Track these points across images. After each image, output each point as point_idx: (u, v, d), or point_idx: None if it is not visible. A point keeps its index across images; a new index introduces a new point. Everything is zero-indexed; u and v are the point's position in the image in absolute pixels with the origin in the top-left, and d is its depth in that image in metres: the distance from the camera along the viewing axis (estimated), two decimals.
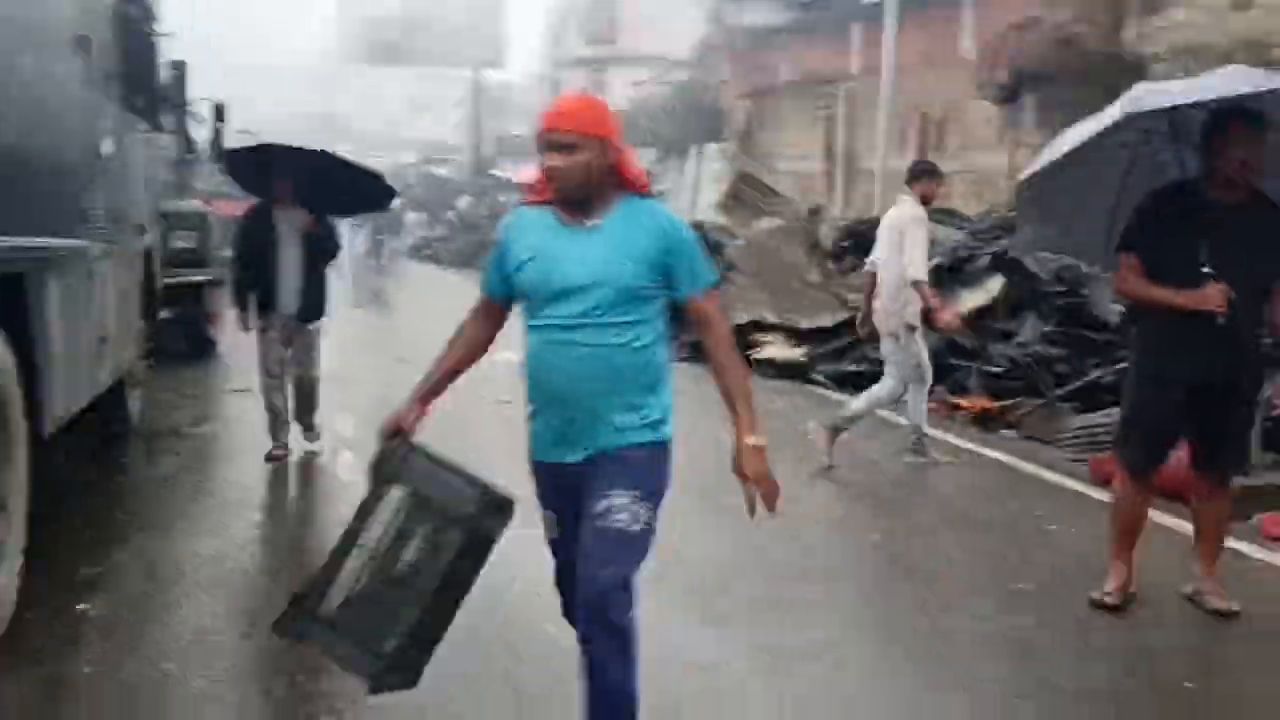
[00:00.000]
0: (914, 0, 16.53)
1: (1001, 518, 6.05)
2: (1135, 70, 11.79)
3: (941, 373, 8.95)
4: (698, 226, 16.57)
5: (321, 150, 6.82)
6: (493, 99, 70.47)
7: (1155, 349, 4.31)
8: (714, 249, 15.79)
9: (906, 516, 6.20)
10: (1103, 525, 4.69)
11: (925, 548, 5.50)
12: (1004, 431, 8.49)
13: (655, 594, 3.39)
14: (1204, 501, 4.45)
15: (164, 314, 10.63)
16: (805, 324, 11.63)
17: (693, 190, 28.99)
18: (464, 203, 36.36)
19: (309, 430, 7.10)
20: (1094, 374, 8.56)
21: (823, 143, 21.20)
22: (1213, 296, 4.01)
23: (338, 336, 8.68)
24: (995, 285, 10.44)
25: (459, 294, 9.79)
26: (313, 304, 6.79)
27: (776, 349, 11.99)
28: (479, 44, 42.90)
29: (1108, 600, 4.38)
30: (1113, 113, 4.08)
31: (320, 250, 6.77)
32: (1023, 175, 4.75)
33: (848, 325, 11.10)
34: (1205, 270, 4.01)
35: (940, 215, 13.09)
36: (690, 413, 3.62)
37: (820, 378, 11.21)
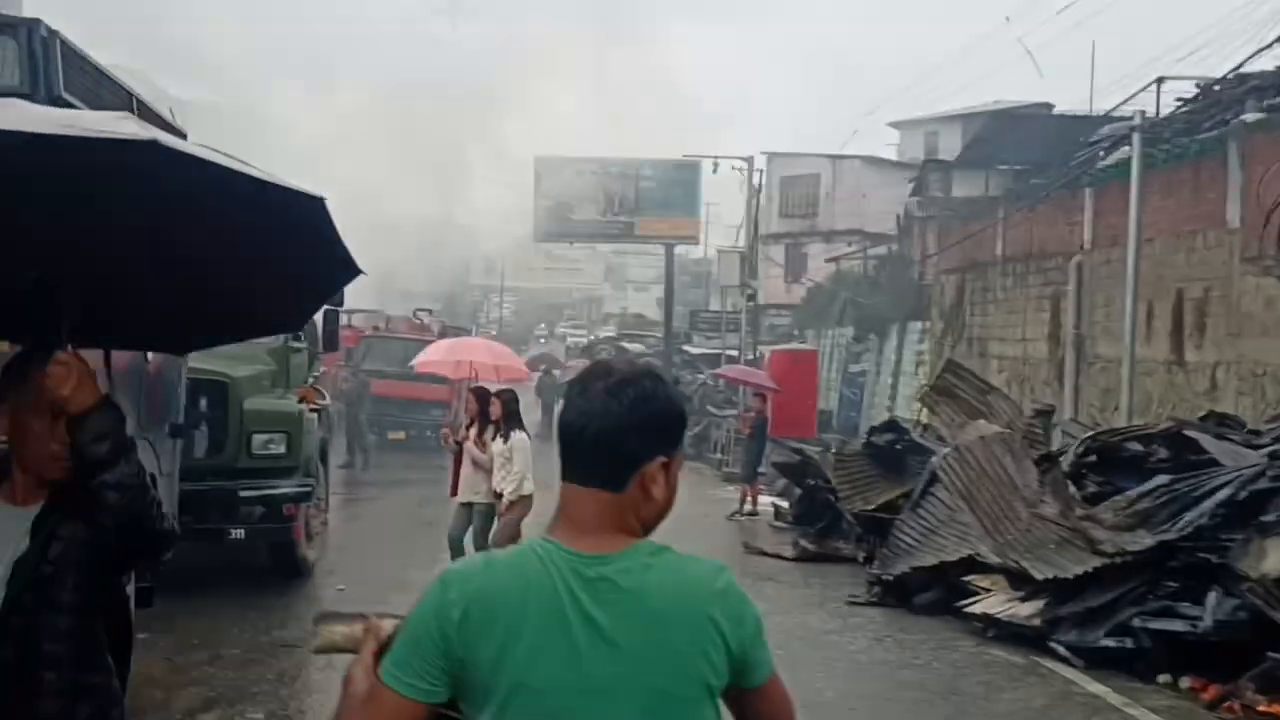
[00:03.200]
0: (1162, 160, 13.79)
1: None
2: None
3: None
4: (890, 426, 13.89)
5: None
6: (694, 273, 70.13)
7: None
8: (908, 456, 13.06)
9: None
10: None
11: None
12: None
13: None
14: None
15: (235, 533, 8.83)
16: (1039, 572, 8.70)
17: (892, 375, 26.23)
18: None
19: None
20: None
21: (1047, 326, 18.25)
22: None
23: None
24: None
25: None
26: None
27: (997, 601, 9.08)
28: (674, 223, 41.88)
29: None
30: None
31: None
32: None
33: (1100, 578, 8.16)
34: None
35: (1214, 423, 10.02)
36: None
37: (1061, 649, 8.25)
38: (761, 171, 38.09)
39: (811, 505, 13.87)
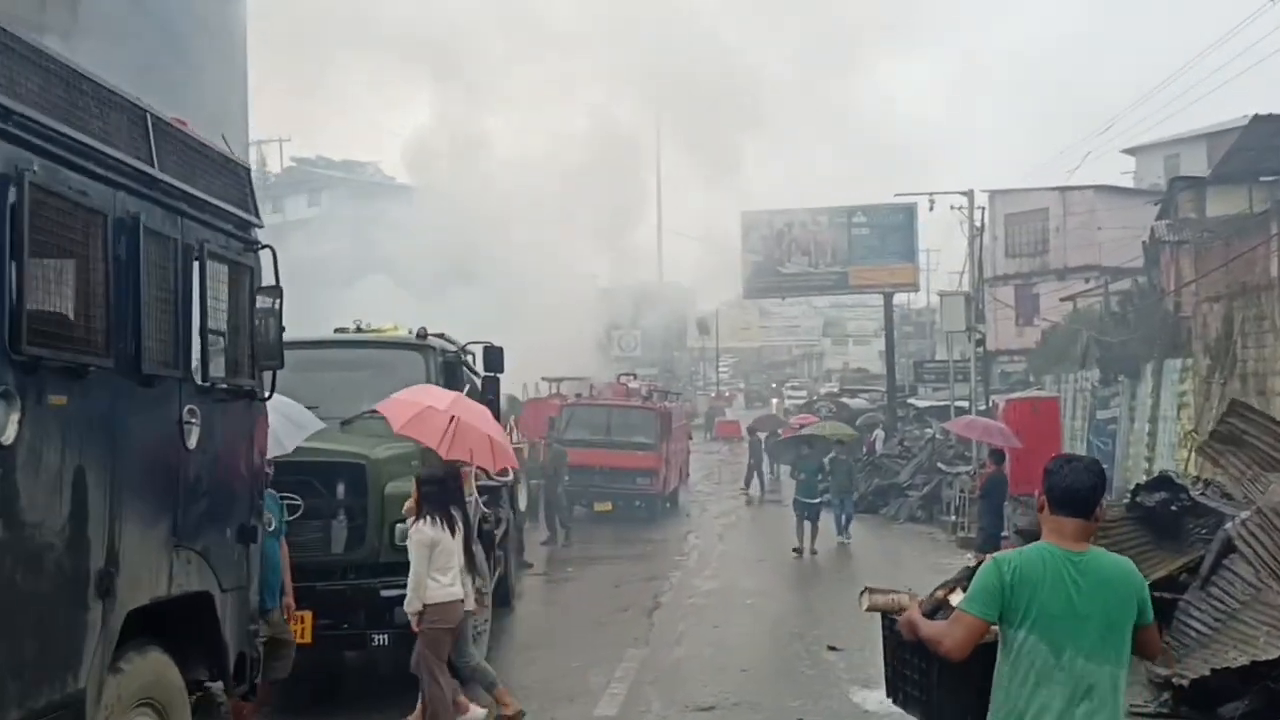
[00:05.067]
0: None
1: None
2: None
3: None
4: (1161, 483, 11.54)
5: None
6: (916, 323, 67.16)
7: None
8: (1187, 518, 10.73)
9: None
10: None
11: None
12: None
13: None
14: None
15: (378, 638, 7.68)
16: None
17: (1149, 421, 23.20)
18: (876, 438, 32.36)
19: None
20: None
21: None
22: None
23: None
24: None
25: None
26: None
27: None
28: (890, 270, 39.71)
29: None
30: None
31: None
32: None
33: None
34: None
35: None
36: None
37: None
38: (983, 209, 35.49)
39: None
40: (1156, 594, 10.30)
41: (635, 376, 27.71)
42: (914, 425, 34.97)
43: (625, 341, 50.81)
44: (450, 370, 9.49)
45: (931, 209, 33.20)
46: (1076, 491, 3.76)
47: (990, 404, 28.54)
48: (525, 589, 14.26)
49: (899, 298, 47.37)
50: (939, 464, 25.96)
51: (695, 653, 10.46)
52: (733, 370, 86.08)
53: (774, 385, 74.58)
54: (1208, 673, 7.64)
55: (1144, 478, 21.81)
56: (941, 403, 34.01)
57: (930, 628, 4.01)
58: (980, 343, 30.18)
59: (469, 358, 10.43)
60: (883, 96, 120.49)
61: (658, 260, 66.68)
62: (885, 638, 5.72)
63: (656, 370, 54.29)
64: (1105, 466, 22.02)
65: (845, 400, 45.64)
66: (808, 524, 17.89)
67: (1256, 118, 19.01)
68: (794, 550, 17.65)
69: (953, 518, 21.53)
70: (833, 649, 10.38)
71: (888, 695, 5.92)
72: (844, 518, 19.19)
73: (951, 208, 34.64)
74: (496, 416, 9.88)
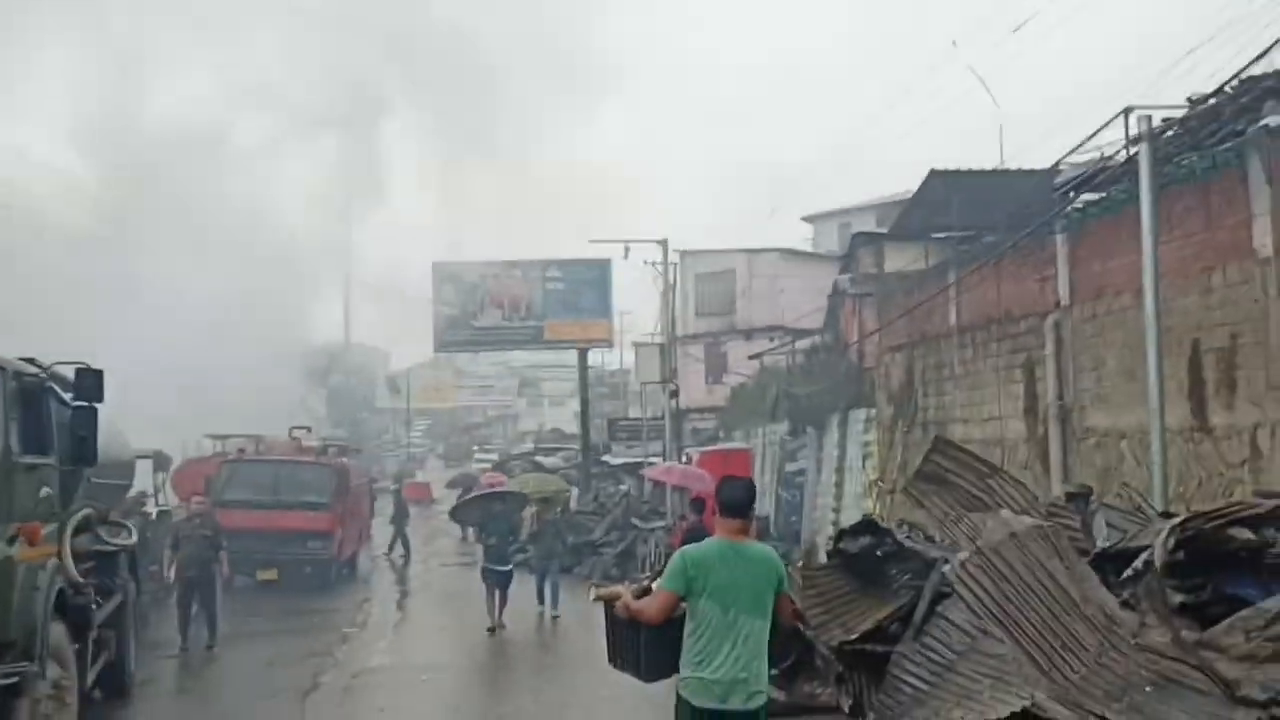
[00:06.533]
0: (1160, 186, 11.35)
1: None
2: None
3: None
4: (866, 527, 10.89)
5: None
6: (610, 384, 67.36)
7: None
8: (890, 564, 10.08)
9: None
10: None
11: None
12: None
13: None
14: None
15: None
16: None
17: (836, 471, 23.35)
18: (571, 495, 31.33)
19: None
20: None
21: (1022, 399, 15.61)
22: None
23: None
24: None
25: None
26: None
27: None
28: (585, 325, 39.23)
29: None
30: None
31: None
32: None
33: None
34: None
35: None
36: None
37: None
38: (675, 265, 35.61)
39: (773, 637, 10.70)
40: (868, 647, 9.54)
41: (309, 430, 25.24)
42: (608, 482, 34.28)
43: (308, 403, 47.63)
44: (27, 397, 7.36)
45: (626, 256, 32.88)
46: (737, 501, 5.71)
47: (685, 458, 28.17)
48: (157, 673, 11.90)
49: (594, 358, 47.10)
50: (634, 520, 25.17)
51: None
52: (426, 433, 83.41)
53: (474, 448, 72.69)
54: None
55: (831, 529, 21.92)
56: (635, 459, 33.55)
57: (639, 604, 5.91)
58: (675, 394, 29.88)
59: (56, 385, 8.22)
60: (573, 146, 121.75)
61: (344, 320, 63.68)
62: (607, 618, 6.79)
63: (344, 431, 51.24)
64: (794, 518, 21.61)
65: (540, 459, 44.62)
66: (498, 593, 15.76)
67: (933, 172, 19.50)
68: (488, 630, 15.37)
69: (647, 575, 20.55)
70: None
71: (609, 661, 6.94)
72: (548, 587, 16.95)
73: (645, 262, 34.57)
74: (92, 455, 7.77)
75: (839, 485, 22.92)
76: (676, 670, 5.66)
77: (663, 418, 31.82)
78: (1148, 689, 6.11)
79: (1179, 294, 11.90)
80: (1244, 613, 6.05)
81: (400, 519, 28.45)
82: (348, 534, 22.41)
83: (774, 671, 10.38)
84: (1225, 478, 11.31)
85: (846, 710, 9.02)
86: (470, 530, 28.69)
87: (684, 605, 5.47)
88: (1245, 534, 6.65)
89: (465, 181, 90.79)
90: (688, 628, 5.49)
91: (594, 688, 10.52)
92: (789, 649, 10.45)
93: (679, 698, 5.55)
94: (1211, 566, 6.74)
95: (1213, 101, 12.36)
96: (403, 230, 77.85)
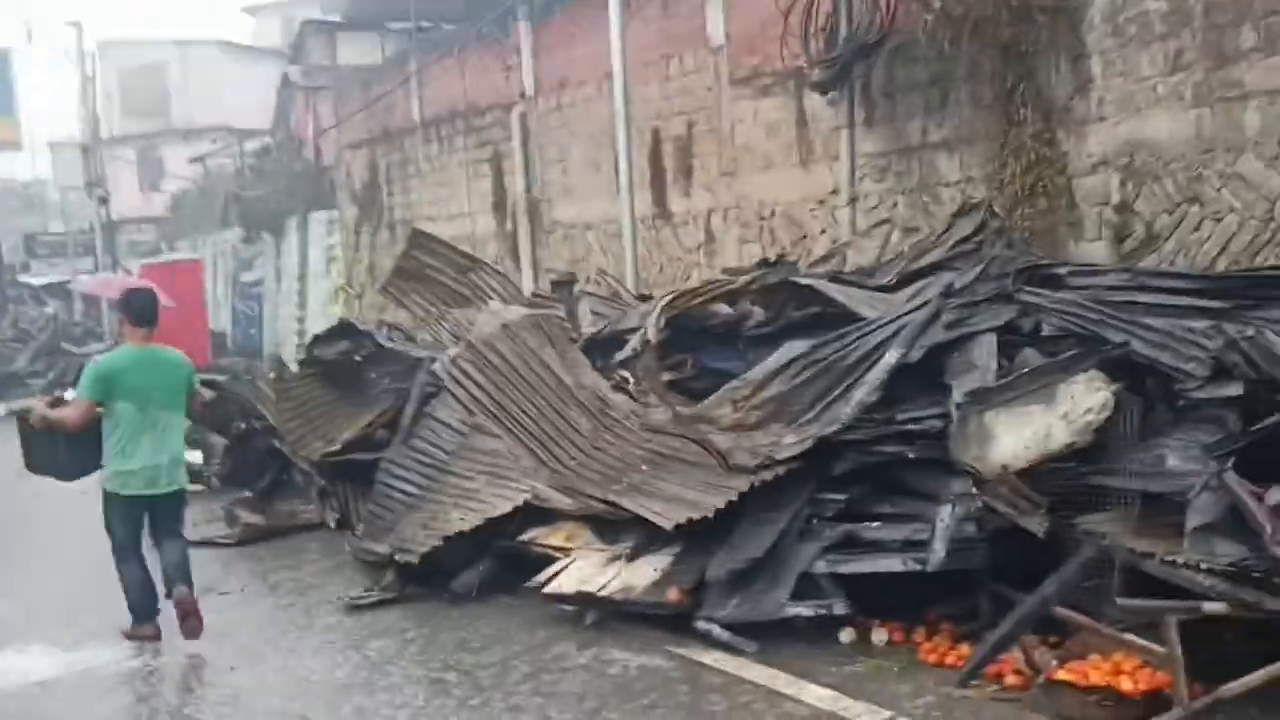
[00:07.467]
0: None
1: None
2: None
3: None
4: (343, 331, 10.13)
5: None
6: (24, 197, 58.82)
7: None
8: (372, 369, 9.49)
9: None
10: None
11: None
12: None
13: None
14: None
15: None
16: (643, 508, 5.68)
17: (299, 279, 22.08)
18: None
19: None
20: None
21: (490, 194, 15.37)
22: None
23: None
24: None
25: None
26: None
27: (588, 569, 5.94)
28: None
29: None
30: None
31: None
32: None
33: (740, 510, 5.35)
34: None
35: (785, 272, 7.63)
36: None
37: (713, 628, 5.33)
38: (94, 55, 31.14)
39: (245, 457, 9.70)
40: (353, 456, 8.97)
41: None
42: (30, 305, 30.11)
43: None
44: None
45: (30, 40, 28.08)
46: (143, 310, 6.35)
47: (124, 275, 25.28)
48: None
49: (3, 166, 40.60)
50: (65, 344, 22.36)
51: None
52: None
53: None
54: (440, 543, 6.30)
55: (297, 339, 20.84)
56: (63, 278, 29.70)
57: (57, 412, 6.39)
58: (104, 201, 26.46)
59: None
60: None
61: None
62: (20, 430, 6.72)
63: None
64: (253, 331, 20.15)
65: None
66: None
67: None
68: None
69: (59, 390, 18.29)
70: None
71: (26, 468, 6.93)
72: None
73: (58, 51, 29.84)
74: None
75: (302, 293, 21.73)
76: (98, 468, 6.27)
77: (91, 230, 28.26)
78: (644, 467, 6.09)
79: (640, 83, 12.06)
80: (731, 384, 6.18)
81: None
82: None
83: (250, 493, 9.64)
84: (683, 262, 11.85)
85: (333, 525, 8.44)
86: None
87: (100, 410, 6.08)
88: (725, 309, 6.80)
89: None
90: (106, 428, 6.09)
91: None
92: (265, 467, 9.60)
93: (106, 493, 6.21)
94: (694, 344, 6.86)
95: None
96: None
